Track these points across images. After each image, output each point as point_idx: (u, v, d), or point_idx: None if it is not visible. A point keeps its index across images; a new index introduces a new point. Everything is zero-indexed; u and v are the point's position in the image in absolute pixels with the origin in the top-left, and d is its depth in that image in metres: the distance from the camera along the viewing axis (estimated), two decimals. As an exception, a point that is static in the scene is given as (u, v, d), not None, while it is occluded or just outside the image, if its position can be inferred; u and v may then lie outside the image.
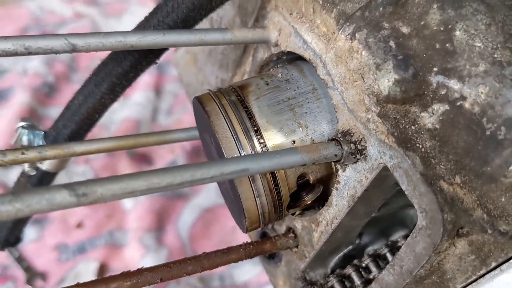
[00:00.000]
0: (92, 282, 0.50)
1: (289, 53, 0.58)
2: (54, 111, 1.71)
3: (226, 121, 0.52)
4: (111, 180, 0.38)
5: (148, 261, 1.37)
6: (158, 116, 1.74)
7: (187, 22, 0.55)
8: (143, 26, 0.55)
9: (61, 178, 1.55)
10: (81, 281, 1.32)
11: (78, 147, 0.60)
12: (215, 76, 0.77)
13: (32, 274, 1.34)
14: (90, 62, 1.91)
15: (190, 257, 0.55)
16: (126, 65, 0.57)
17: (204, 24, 0.72)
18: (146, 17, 0.56)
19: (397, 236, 0.62)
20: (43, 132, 0.63)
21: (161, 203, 1.49)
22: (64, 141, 0.62)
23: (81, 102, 0.60)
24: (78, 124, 0.61)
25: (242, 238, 0.79)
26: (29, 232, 1.43)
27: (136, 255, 1.37)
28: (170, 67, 1.87)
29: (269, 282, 1.34)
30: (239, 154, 0.51)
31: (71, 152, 0.59)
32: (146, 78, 1.83)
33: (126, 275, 0.51)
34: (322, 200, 0.56)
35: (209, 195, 1.54)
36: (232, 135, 0.52)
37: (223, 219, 1.48)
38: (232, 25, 0.70)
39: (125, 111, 1.73)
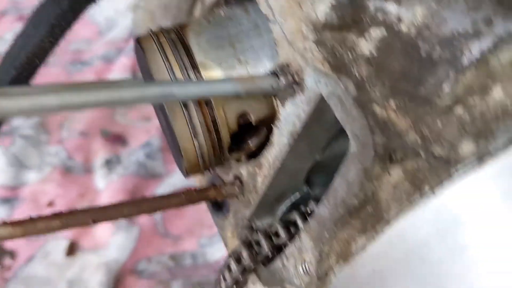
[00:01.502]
0: (20, 221, 0.48)
1: (237, -5, 0.57)
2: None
3: (162, 58, 0.50)
4: (18, 91, 0.36)
5: (119, 239, 1.35)
6: (134, 98, 1.71)
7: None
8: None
9: (34, 159, 1.52)
10: (51, 260, 1.29)
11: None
12: (170, 31, 0.76)
13: (0, 252, 1.32)
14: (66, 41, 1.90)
15: (128, 200, 0.53)
16: (64, 5, 0.55)
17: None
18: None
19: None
20: (-17, 80, 0.61)
21: (135, 182, 1.46)
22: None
23: (20, 46, 0.58)
24: (18, 69, 0.59)
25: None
26: (-1, 211, 1.41)
27: (107, 234, 1.34)
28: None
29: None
30: (174, 90, 0.49)
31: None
32: (123, 61, 1.81)
33: (57, 215, 0.49)
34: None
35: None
36: (168, 72, 0.50)
37: (198, 200, 1.45)
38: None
39: (101, 93, 1.70)
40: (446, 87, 0.39)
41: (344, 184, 0.43)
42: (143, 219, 1.39)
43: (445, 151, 0.40)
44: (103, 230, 1.35)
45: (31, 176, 1.48)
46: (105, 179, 1.48)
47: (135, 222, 1.38)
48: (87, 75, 1.77)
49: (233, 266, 0.55)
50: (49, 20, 0.56)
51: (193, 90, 0.42)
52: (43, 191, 1.45)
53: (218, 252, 1.35)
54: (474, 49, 0.39)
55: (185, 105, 0.48)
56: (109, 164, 1.52)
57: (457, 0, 0.41)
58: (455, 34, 0.39)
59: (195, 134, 0.50)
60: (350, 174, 0.42)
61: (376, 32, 0.43)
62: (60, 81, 1.53)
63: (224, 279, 0.56)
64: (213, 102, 0.50)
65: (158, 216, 1.41)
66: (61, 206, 1.42)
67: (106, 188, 1.46)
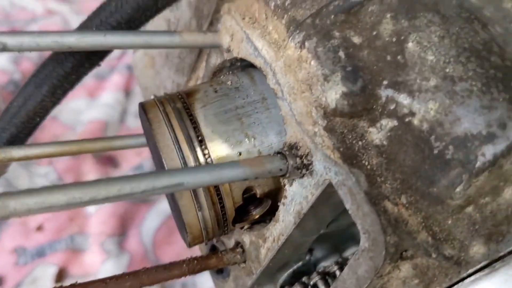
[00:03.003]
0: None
1: (243, 59, 0.56)
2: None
3: (168, 129, 0.50)
4: (27, 193, 0.35)
5: (109, 267, 1.33)
6: (126, 118, 1.70)
7: (131, 23, 0.52)
8: (86, 26, 0.52)
9: (23, 180, 1.50)
10: (39, 286, 1.27)
11: (17, 152, 0.56)
12: (171, 80, 0.75)
13: (-13, 278, 1.29)
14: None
15: (128, 273, 0.52)
16: (67, 67, 0.54)
17: (161, 26, 0.69)
18: (88, 17, 0.53)
19: (349, 252, 0.60)
20: (-19, 135, 0.60)
21: (125, 207, 1.45)
22: (3, 145, 0.58)
23: (20, 104, 0.57)
24: (18, 127, 0.58)
25: (204, 246, 0.75)
26: (-14, 235, 1.38)
27: (97, 260, 1.32)
28: (142, 68, 1.82)
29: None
30: (181, 166, 0.49)
31: (8, 157, 0.56)
32: (115, 79, 1.79)
33: (58, 290, 0.48)
34: (272, 213, 0.54)
35: (175, 200, 1.50)
36: (174, 144, 0.49)
37: (189, 225, 1.44)
38: (189, 27, 0.67)
39: (92, 112, 1.68)
40: (459, 189, 0.39)
41: (353, 278, 0.43)
42: (133, 246, 1.38)
43: (455, 251, 0.40)
44: (93, 258, 1.33)
45: (20, 198, 1.46)
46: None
47: (125, 249, 1.37)
48: (79, 92, 1.75)
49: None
50: (51, 81, 0.55)
51: (202, 178, 0.41)
52: (32, 214, 1.42)
53: (208, 281, 1.34)
54: (488, 152, 0.38)
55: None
56: (100, 187, 1.50)
57: (470, 97, 0.40)
58: (468, 135, 0.39)
59: (199, 208, 0.49)
60: (360, 269, 0.42)
61: (388, 123, 0.42)
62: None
63: None
64: (219, 178, 0.49)
65: (148, 243, 1.40)
66: (50, 230, 1.40)
67: (96, 212, 1.44)
